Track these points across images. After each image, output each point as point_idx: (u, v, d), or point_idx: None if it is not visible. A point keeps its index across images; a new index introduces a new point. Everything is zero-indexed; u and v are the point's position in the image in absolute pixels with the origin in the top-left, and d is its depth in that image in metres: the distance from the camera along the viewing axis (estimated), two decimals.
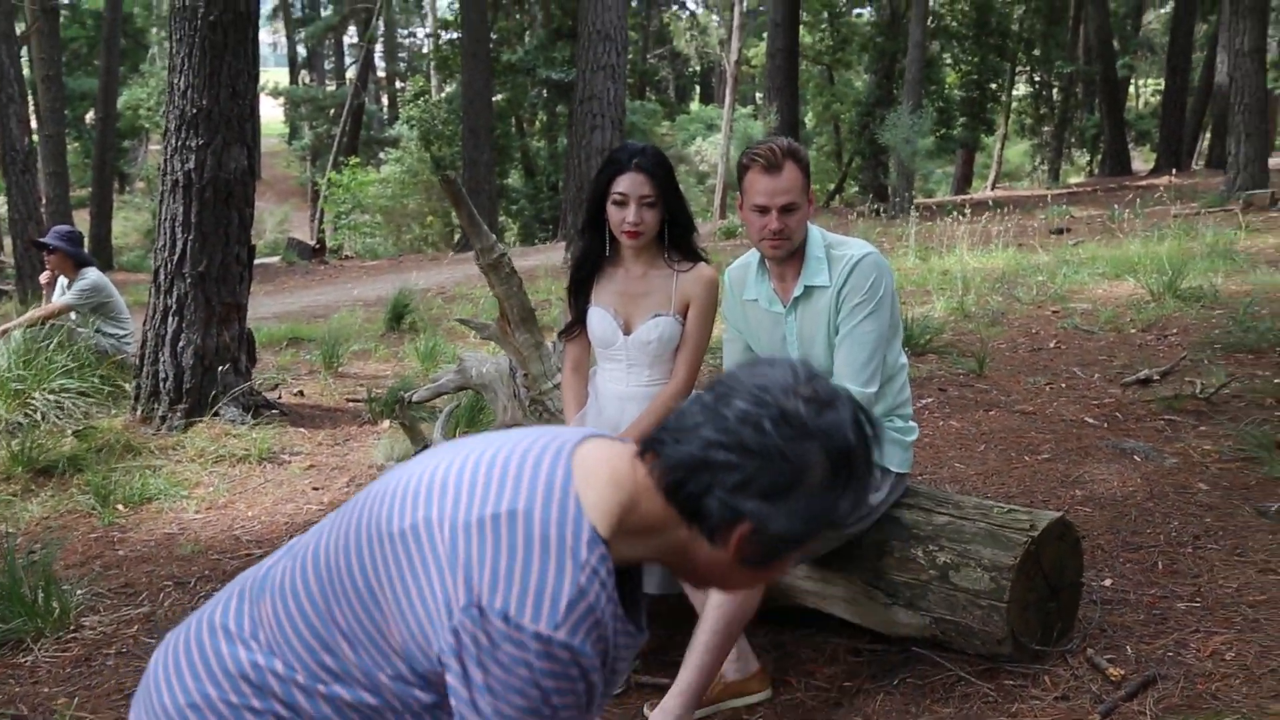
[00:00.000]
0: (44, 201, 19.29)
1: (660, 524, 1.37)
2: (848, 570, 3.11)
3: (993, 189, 29.31)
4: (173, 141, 5.93)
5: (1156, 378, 5.99)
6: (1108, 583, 3.49)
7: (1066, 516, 3.11)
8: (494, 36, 27.62)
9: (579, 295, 3.44)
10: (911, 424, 3.19)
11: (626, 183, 3.23)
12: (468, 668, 1.28)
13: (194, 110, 5.85)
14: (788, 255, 3.02)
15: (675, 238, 3.34)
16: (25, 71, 22.83)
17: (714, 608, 2.81)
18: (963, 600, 2.93)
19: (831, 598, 3.17)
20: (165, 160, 6.02)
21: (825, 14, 28.83)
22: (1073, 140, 36.49)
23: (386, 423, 6.18)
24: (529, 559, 1.28)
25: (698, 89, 48.06)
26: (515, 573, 1.27)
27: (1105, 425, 5.24)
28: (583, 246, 3.42)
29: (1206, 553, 3.66)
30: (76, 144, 36.00)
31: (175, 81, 5.90)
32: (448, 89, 30.78)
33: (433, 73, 33.35)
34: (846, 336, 2.97)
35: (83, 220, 24.20)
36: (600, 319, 3.36)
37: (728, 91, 27.51)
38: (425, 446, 4.17)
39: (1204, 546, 3.71)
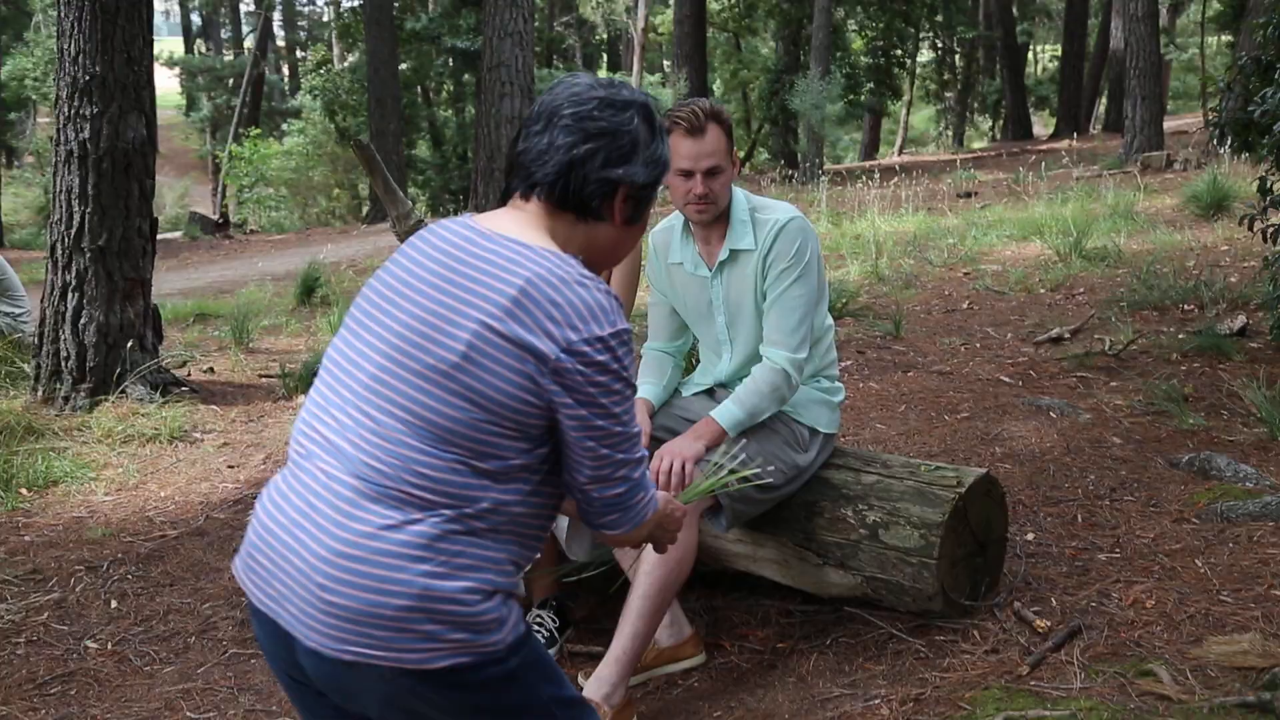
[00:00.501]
0: None
1: (568, 231, 1.72)
2: (778, 532, 3.11)
3: (900, 154, 29.70)
4: (65, 110, 5.68)
5: (1067, 336, 6.13)
6: (1030, 537, 3.55)
7: (991, 473, 3.14)
8: (396, 4, 27.09)
9: None
10: (838, 384, 3.20)
11: None
12: (580, 394, 1.60)
13: (86, 77, 5.60)
14: (713, 219, 2.99)
15: None
16: None
17: (645, 574, 2.79)
18: (893, 558, 2.95)
19: (762, 560, 3.18)
20: (58, 130, 5.76)
21: None
22: (976, 106, 37.10)
23: (302, 398, 6.04)
24: (572, 294, 1.60)
25: (605, 57, 47.74)
26: (572, 308, 1.59)
27: (1020, 383, 5.34)
28: None
29: (1123, 504, 3.75)
30: None
31: (65, 47, 5.64)
32: (351, 58, 30.12)
33: (335, 42, 32.59)
34: (775, 302, 2.95)
35: None
36: None
37: (635, 59, 27.38)
38: None
39: (1120, 499, 3.80)
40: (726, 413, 2.92)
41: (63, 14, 5.73)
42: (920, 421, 4.84)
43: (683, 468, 2.78)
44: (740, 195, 3.05)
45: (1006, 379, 5.41)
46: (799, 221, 2.98)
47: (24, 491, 4.88)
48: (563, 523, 3.10)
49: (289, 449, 1.74)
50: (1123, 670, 2.65)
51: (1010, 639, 2.91)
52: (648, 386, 3.18)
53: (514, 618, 1.62)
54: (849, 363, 5.94)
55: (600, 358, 1.59)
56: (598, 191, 1.69)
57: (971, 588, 3.06)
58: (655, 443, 2.97)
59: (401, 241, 3.78)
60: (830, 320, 3.18)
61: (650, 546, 2.76)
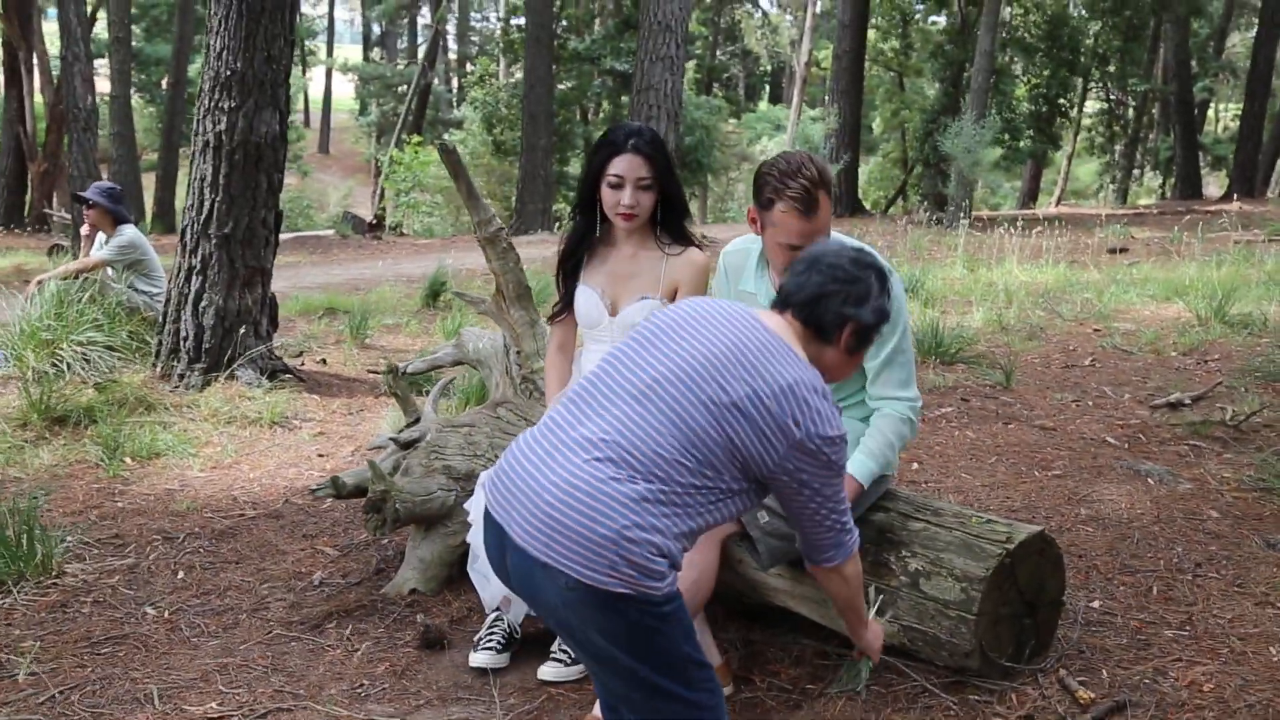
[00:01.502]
0: (109, 162, 19.68)
1: (806, 344, 2.25)
2: None
3: (1057, 205, 28.78)
4: (205, 102, 5.96)
5: (1188, 402, 5.82)
6: (1096, 604, 3.37)
7: (1050, 532, 2.99)
8: (563, 24, 27.65)
9: (568, 276, 3.38)
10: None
11: (623, 164, 3.17)
12: (806, 473, 2.13)
13: (228, 72, 5.87)
14: None
15: (668, 220, 3.28)
16: (103, 35, 23.30)
17: None
18: (931, 609, 2.84)
19: (800, 597, 3.08)
20: (198, 121, 6.06)
21: (898, 17, 28.47)
22: (1145, 161, 35.74)
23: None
24: (819, 402, 2.12)
25: (768, 88, 47.80)
26: (817, 411, 2.11)
27: (1125, 446, 5.08)
28: (574, 227, 3.36)
29: (1205, 581, 3.52)
30: (152, 109, 36.64)
31: (212, 43, 5.94)
32: (516, 75, 30.87)
33: (501, 57, 33.47)
34: (883, 364, 2.94)
35: (150, 184, 24.66)
36: (587, 298, 3.31)
37: (796, 92, 27.36)
38: (416, 419, 4.14)
39: (1204, 575, 3.58)
40: (861, 467, 2.88)
41: (212, 11, 6.04)
42: (1008, 475, 4.65)
43: None
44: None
45: (1112, 440, 5.16)
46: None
47: (128, 460, 5.11)
48: None
49: (555, 407, 2.21)
50: None
51: (1049, 707, 2.76)
52: None
53: (672, 579, 2.04)
54: (949, 409, 5.76)
55: (827, 450, 2.12)
56: (834, 322, 2.23)
57: (1015, 649, 2.91)
58: None
59: (482, 245, 3.84)
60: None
61: None
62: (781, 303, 2.26)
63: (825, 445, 2.12)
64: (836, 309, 2.22)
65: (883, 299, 2.28)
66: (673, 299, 3.27)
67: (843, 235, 2.98)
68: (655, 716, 2.10)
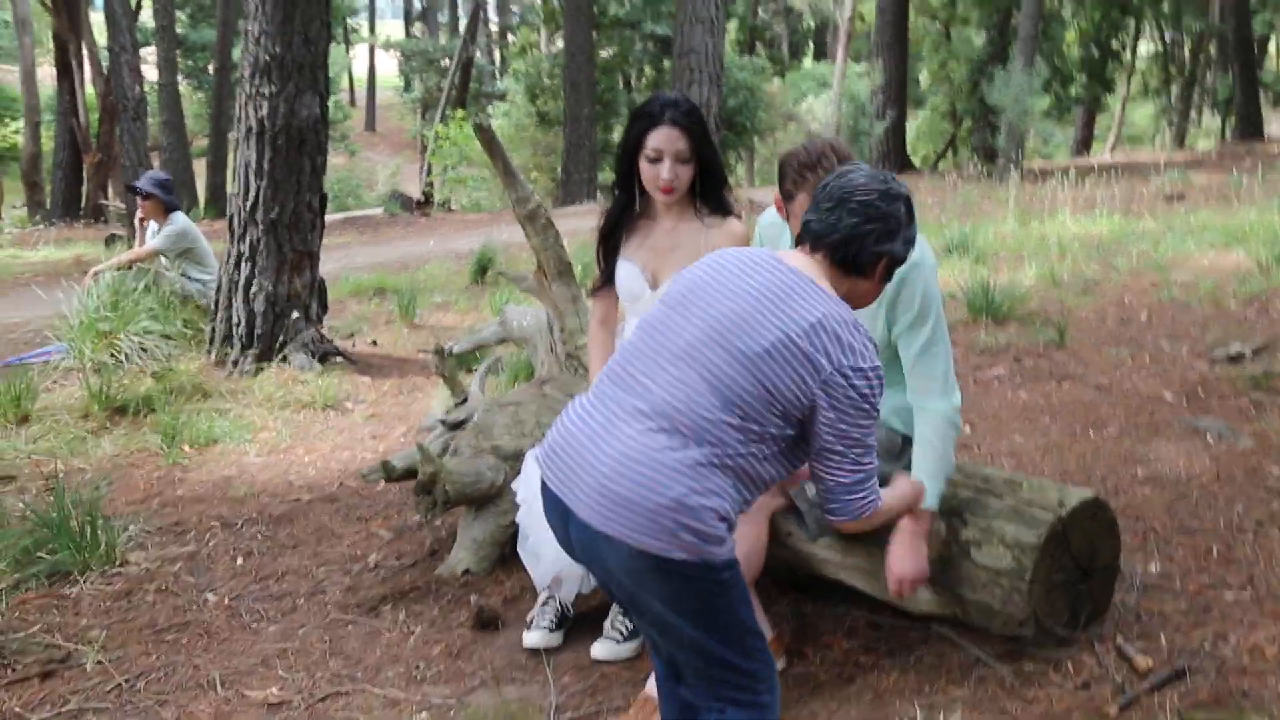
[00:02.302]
0: (160, 150, 19.93)
1: (837, 280, 2.23)
2: (867, 542, 2.99)
3: (1112, 153, 28.18)
4: (247, 88, 6.01)
5: (1249, 354, 5.69)
6: (1154, 568, 3.32)
7: (1105, 496, 2.94)
8: None
9: (609, 252, 3.36)
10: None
11: (660, 138, 3.14)
12: (838, 405, 2.08)
13: (267, 57, 5.91)
14: None
15: (707, 191, 3.24)
16: (148, 23, 23.53)
17: None
18: (983, 578, 2.81)
19: (850, 568, 3.07)
20: (240, 107, 6.11)
21: None
22: (1204, 102, 34.83)
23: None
24: (850, 335, 2.09)
25: (811, 45, 47.17)
26: (849, 344, 2.08)
27: (1183, 402, 4.99)
28: (614, 202, 3.34)
29: (1268, 540, 3.45)
30: (200, 94, 36.99)
31: (250, 29, 5.97)
32: (558, 44, 30.74)
33: (541, 27, 33.31)
34: (917, 356, 2.83)
35: (202, 170, 24.94)
36: (628, 273, 3.29)
37: (840, 48, 26.92)
38: (464, 399, 4.17)
39: (1266, 534, 3.51)
40: (933, 493, 2.76)
41: None
42: (1062, 436, 4.59)
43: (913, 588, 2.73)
44: None
45: (1169, 397, 5.06)
46: (919, 269, 2.81)
47: (186, 448, 5.20)
48: None
49: (605, 373, 2.23)
50: None
51: (1105, 675, 2.73)
52: None
53: (731, 544, 2.08)
54: (1002, 370, 5.69)
55: (858, 382, 2.08)
56: (868, 260, 2.22)
57: (1071, 616, 2.88)
58: None
59: (521, 223, 3.84)
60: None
61: None
62: (812, 242, 2.24)
63: (856, 376, 2.08)
64: (871, 248, 2.20)
65: (912, 228, 2.27)
66: None
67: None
68: (713, 685, 2.14)
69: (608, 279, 3.38)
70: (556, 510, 2.16)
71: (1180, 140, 31.36)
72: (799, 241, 2.27)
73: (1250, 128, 27.84)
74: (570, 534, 2.14)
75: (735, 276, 2.18)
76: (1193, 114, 34.27)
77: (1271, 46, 38.40)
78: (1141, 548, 3.45)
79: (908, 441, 2.94)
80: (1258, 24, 29.79)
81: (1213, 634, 2.88)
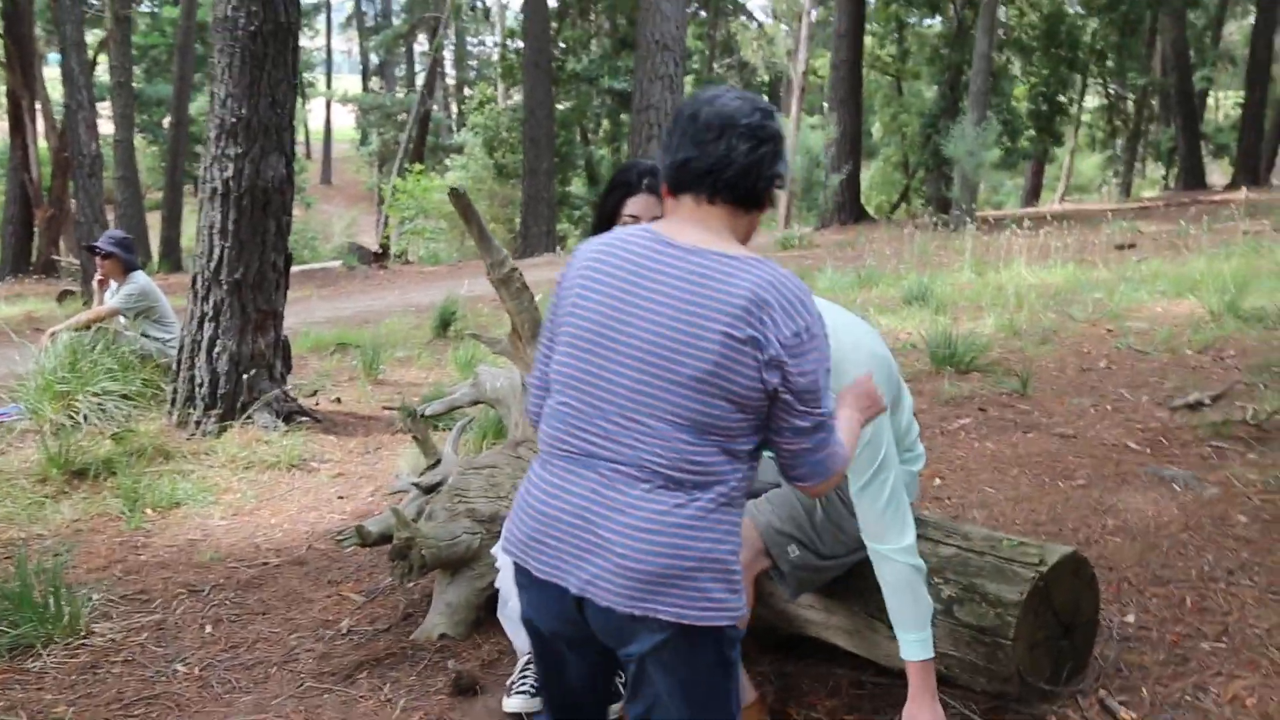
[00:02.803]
0: (115, 205, 19.77)
1: (736, 223, 2.02)
2: (849, 601, 3.00)
3: (1061, 202, 28.74)
4: (213, 150, 5.99)
5: (1207, 401, 5.79)
6: (1130, 619, 3.34)
7: (1084, 551, 2.97)
8: (561, 46, 27.71)
9: None
10: (918, 452, 3.07)
11: (637, 205, 3.17)
12: (790, 375, 1.90)
13: (233, 119, 5.89)
14: None
15: None
16: (104, 78, 23.43)
17: None
18: (967, 636, 2.81)
19: (834, 628, 3.07)
20: (205, 169, 6.08)
21: (894, 24, 28.50)
22: (1147, 154, 35.66)
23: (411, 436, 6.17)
24: (778, 296, 1.91)
25: (765, 99, 47.83)
26: (783, 308, 1.91)
27: (1148, 450, 5.06)
28: None
29: (1239, 589, 3.49)
30: (154, 149, 36.83)
31: (216, 91, 5.96)
32: (515, 97, 30.96)
33: (499, 81, 33.58)
34: (867, 493, 2.64)
35: (156, 223, 24.75)
36: None
37: (794, 102, 27.34)
38: (437, 461, 4.14)
39: (1237, 583, 3.55)
40: (918, 647, 2.67)
41: (216, 59, 6.06)
42: (1032, 487, 4.63)
43: None
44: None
45: (1134, 445, 5.13)
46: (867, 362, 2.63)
47: (149, 512, 5.11)
48: None
49: (547, 448, 2.05)
50: None
51: None
52: None
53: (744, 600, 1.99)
54: (967, 420, 5.74)
55: (806, 341, 1.92)
56: (766, 186, 2.00)
57: (1054, 671, 2.89)
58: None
59: (495, 286, 3.84)
60: (908, 397, 3.00)
61: None
62: (709, 188, 1.98)
63: (804, 339, 1.91)
64: (767, 173, 1.99)
65: (783, 145, 2.08)
66: None
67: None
68: None
69: None
70: (551, 599, 1.99)
71: (1127, 190, 32.09)
72: (676, 189, 2.02)
73: (1193, 178, 28.57)
74: (588, 620, 1.97)
75: (635, 292, 1.95)
76: (1137, 164, 35.08)
77: (1211, 100, 39.45)
78: (1117, 598, 3.47)
79: None
80: (1197, 80, 30.64)
81: (1193, 685, 2.91)
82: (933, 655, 2.68)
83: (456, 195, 3.55)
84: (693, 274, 1.91)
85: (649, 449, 1.90)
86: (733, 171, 1.96)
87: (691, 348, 1.89)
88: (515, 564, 2.05)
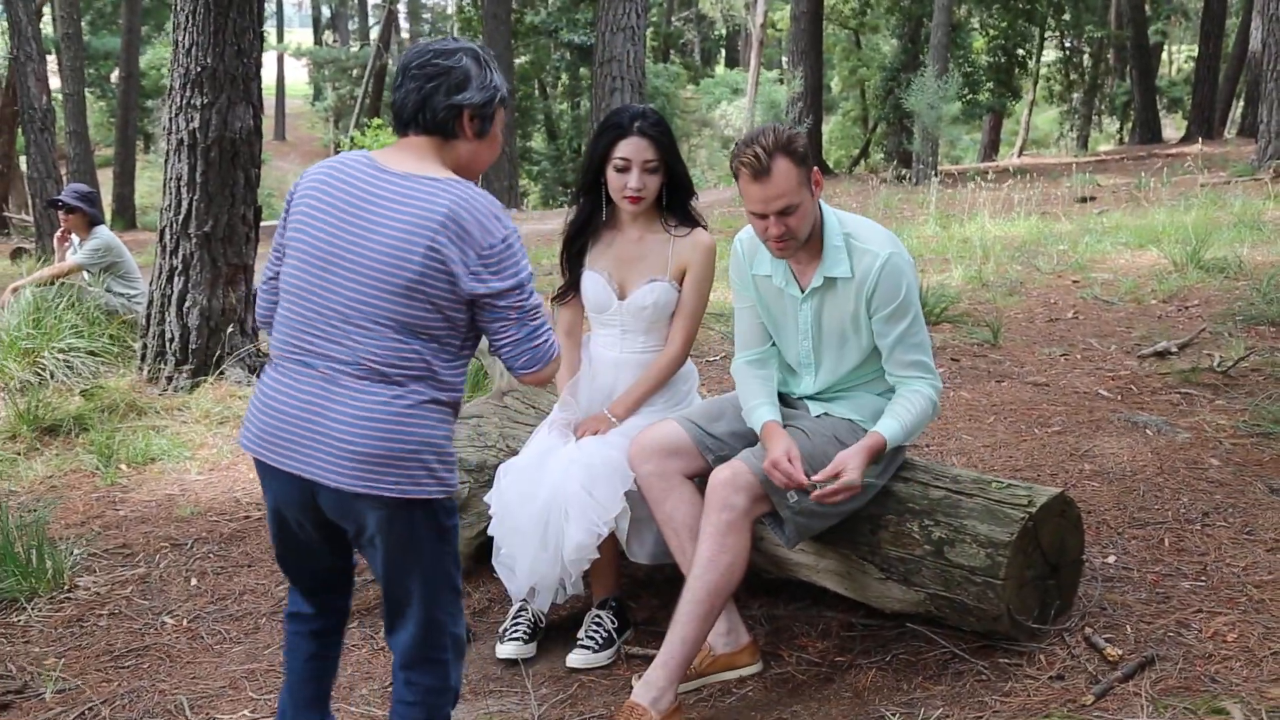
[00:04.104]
0: (66, 161, 19.36)
1: (441, 152, 2.27)
2: (841, 544, 3.04)
3: (1019, 156, 28.90)
4: (177, 100, 5.87)
5: (1174, 350, 5.88)
6: (1111, 560, 3.41)
7: (1067, 492, 3.03)
8: None
9: (573, 260, 3.37)
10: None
11: (629, 147, 3.16)
12: (489, 283, 2.18)
13: (198, 69, 5.78)
14: (797, 250, 2.90)
15: (673, 202, 3.27)
16: (48, 31, 22.84)
17: (695, 578, 2.76)
18: (958, 576, 2.87)
19: (824, 571, 3.11)
20: (170, 119, 5.96)
21: None
22: (1103, 107, 35.92)
23: None
24: (473, 214, 2.18)
25: (723, 53, 47.57)
26: (479, 224, 2.18)
27: (1119, 398, 5.14)
28: (579, 210, 3.35)
29: (1215, 530, 3.58)
30: (102, 103, 36.04)
31: (180, 39, 5.84)
32: None
33: (456, 34, 33.11)
34: (898, 343, 2.92)
35: (107, 180, 24.28)
36: (594, 283, 3.30)
37: (753, 56, 27.23)
38: None
39: (1213, 524, 3.63)
40: (889, 429, 2.86)
41: (178, 6, 5.93)
42: (1009, 434, 4.70)
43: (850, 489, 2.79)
44: (833, 218, 2.92)
45: (1105, 393, 5.21)
46: (897, 258, 2.87)
47: (124, 467, 5.07)
48: (624, 524, 3.09)
49: (278, 353, 2.28)
50: (1194, 706, 2.53)
51: (1078, 666, 2.80)
52: (767, 409, 3.00)
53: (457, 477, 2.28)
54: (941, 370, 5.78)
55: (501, 251, 2.17)
56: (448, 116, 2.24)
57: (1041, 610, 2.96)
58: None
59: None
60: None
61: (701, 551, 2.75)
62: (401, 126, 2.29)
63: (498, 250, 2.17)
64: (444, 102, 2.23)
65: (486, 74, 2.28)
66: (681, 281, 3.26)
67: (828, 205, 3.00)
68: (423, 640, 2.29)
69: (572, 288, 3.38)
70: (291, 487, 2.23)
71: (1084, 143, 32.33)
72: (395, 129, 2.32)
73: (1148, 132, 28.80)
74: (320, 504, 2.22)
75: (353, 213, 2.20)
76: (1094, 118, 35.33)
77: (1165, 55, 39.74)
78: (1097, 540, 3.54)
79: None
80: (1152, 34, 30.82)
81: (1175, 622, 2.98)
82: (888, 445, 2.87)
83: None
84: (401, 196, 2.18)
85: (366, 349, 2.16)
86: (410, 107, 2.25)
87: (401, 260, 2.14)
88: (255, 460, 2.28)
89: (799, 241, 2.84)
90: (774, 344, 3.16)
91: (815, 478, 2.77)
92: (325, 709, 2.54)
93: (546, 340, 2.26)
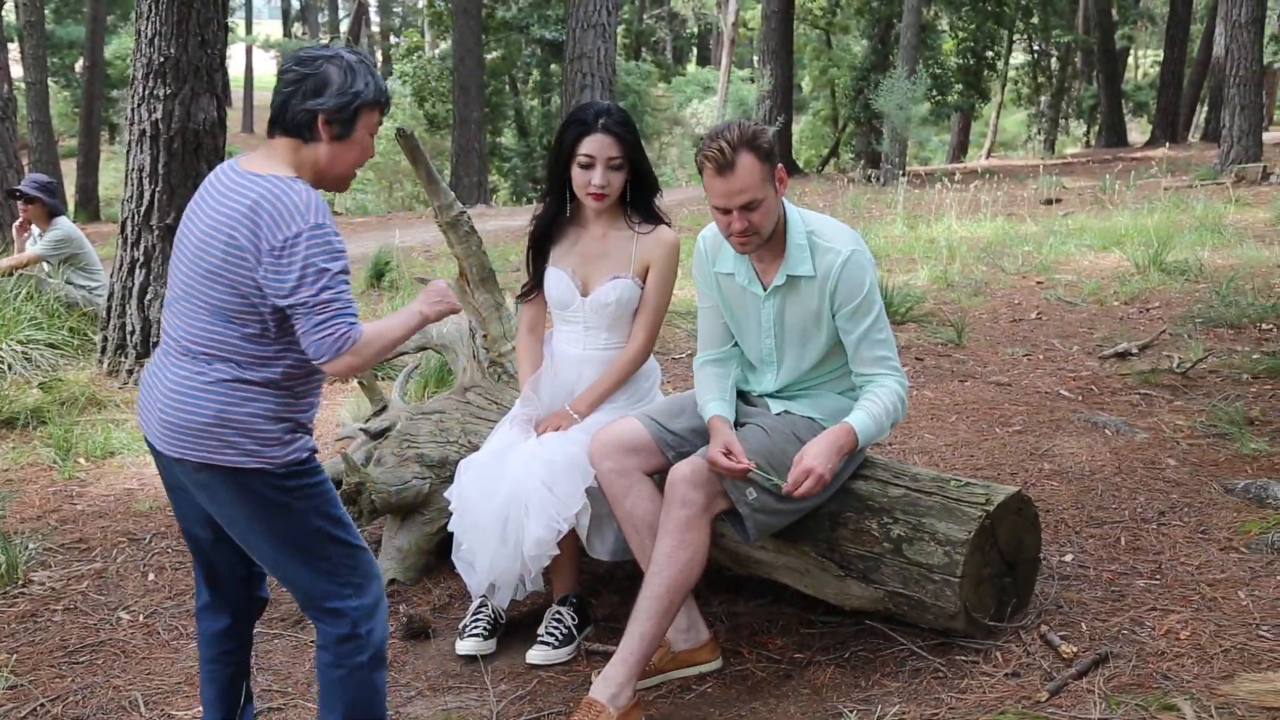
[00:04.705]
0: (28, 151, 19.11)
1: (299, 156, 2.37)
2: (800, 541, 3.05)
3: (987, 158, 29.11)
4: (139, 91, 5.81)
5: (1135, 351, 5.95)
6: (1068, 558, 3.45)
7: (1026, 491, 3.05)
8: None
9: (537, 257, 3.36)
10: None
11: (593, 144, 3.15)
12: (281, 273, 2.23)
13: (161, 59, 5.73)
14: (761, 245, 2.90)
15: (637, 199, 3.27)
16: (10, 18, 22.53)
17: (653, 574, 2.76)
18: (916, 574, 2.88)
19: (783, 568, 3.12)
20: (132, 110, 5.91)
21: None
22: (1070, 111, 36.23)
23: (354, 382, 6.10)
24: (273, 208, 2.25)
25: (695, 51, 47.63)
26: (276, 218, 2.24)
27: (1080, 398, 5.19)
28: (545, 208, 3.34)
29: (1170, 529, 3.62)
30: (66, 93, 35.58)
31: (143, 29, 5.78)
32: (442, 45, 30.43)
33: (426, 29, 32.96)
34: (862, 339, 2.94)
35: (70, 170, 23.98)
36: (558, 280, 3.29)
37: (724, 54, 27.30)
38: (384, 407, 4.11)
39: (1168, 523, 3.67)
40: (860, 423, 2.87)
41: None
42: (970, 433, 4.73)
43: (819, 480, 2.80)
44: (795, 216, 2.93)
45: (1066, 393, 5.26)
46: (859, 255, 2.89)
47: (82, 461, 5.01)
48: (584, 520, 3.09)
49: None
50: (1145, 703, 2.56)
51: (1033, 663, 2.83)
52: (716, 404, 3.03)
53: (298, 446, 2.35)
54: (905, 369, 5.81)
55: (291, 248, 2.21)
56: (304, 119, 2.34)
57: (998, 608, 2.98)
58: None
59: (443, 229, 3.80)
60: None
61: (660, 547, 2.75)
62: (268, 127, 2.41)
63: (291, 243, 2.22)
64: (300, 107, 2.33)
65: (348, 79, 2.36)
66: (644, 278, 3.26)
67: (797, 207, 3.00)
68: (305, 599, 2.43)
69: (536, 286, 3.37)
70: (155, 456, 2.43)
71: (1051, 146, 32.60)
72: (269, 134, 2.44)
73: (1114, 135, 29.12)
74: (162, 467, 2.44)
75: (198, 205, 2.38)
76: (1061, 121, 35.63)
77: (1130, 59, 40.13)
78: (1055, 539, 3.58)
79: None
80: (1118, 38, 31.13)
81: (1129, 620, 3.01)
82: (860, 442, 2.89)
83: (405, 137, 3.50)
84: (229, 190, 2.31)
85: (183, 329, 2.34)
86: (274, 110, 2.38)
87: (206, 247, 2.29)
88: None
89: (761, 238, 2.85)
90: (735, 344, 3.17)
91: (785, 487, 2.79)
92: (229, 714, 2.65)
93: (333, 333, 2.26)
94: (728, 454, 2.81)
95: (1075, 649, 2.85)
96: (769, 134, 2.87)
